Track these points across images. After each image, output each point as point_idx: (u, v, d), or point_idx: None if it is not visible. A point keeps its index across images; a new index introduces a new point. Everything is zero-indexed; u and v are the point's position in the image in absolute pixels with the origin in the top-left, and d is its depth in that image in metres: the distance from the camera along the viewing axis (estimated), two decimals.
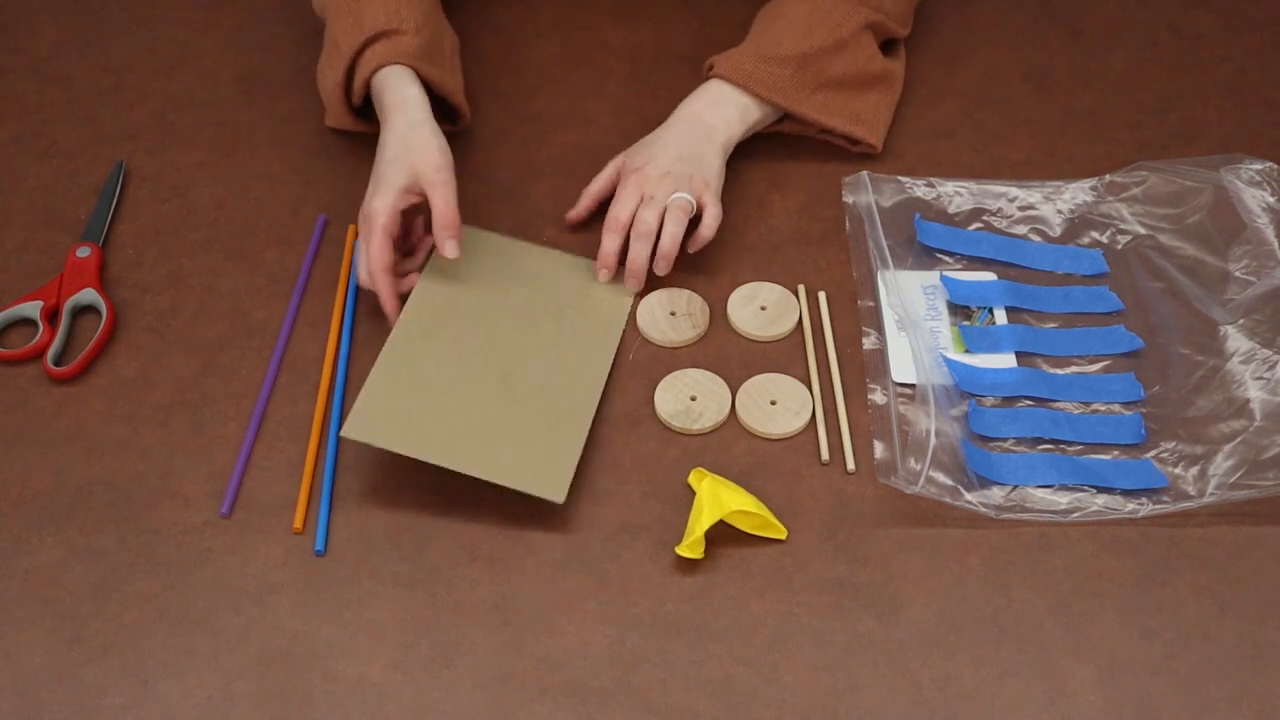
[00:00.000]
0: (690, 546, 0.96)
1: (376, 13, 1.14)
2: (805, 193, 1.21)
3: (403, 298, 1.09)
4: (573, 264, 1.15)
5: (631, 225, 1.12)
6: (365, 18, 1.14)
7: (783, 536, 0.99)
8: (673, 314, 1.12)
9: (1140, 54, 1.34)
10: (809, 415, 1.05)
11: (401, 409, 1.01)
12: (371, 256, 1.06)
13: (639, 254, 1.11)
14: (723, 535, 0.99)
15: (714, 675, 0.93)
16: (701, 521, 0.96)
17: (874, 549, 0.99)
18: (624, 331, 1.11)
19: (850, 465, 1.03)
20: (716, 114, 1.16)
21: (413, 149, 1.08)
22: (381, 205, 1.06)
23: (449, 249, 1.07)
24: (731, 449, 1.04)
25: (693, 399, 1.06)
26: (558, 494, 0.99)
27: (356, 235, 1.17)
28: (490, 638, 0.94)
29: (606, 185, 1.16)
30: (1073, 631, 0.95)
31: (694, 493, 1.00)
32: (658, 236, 1.11)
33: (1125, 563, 0.98)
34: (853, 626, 0.95)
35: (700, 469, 1.02)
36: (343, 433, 0.99)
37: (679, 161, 1.13)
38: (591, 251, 1.14)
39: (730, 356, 1.10)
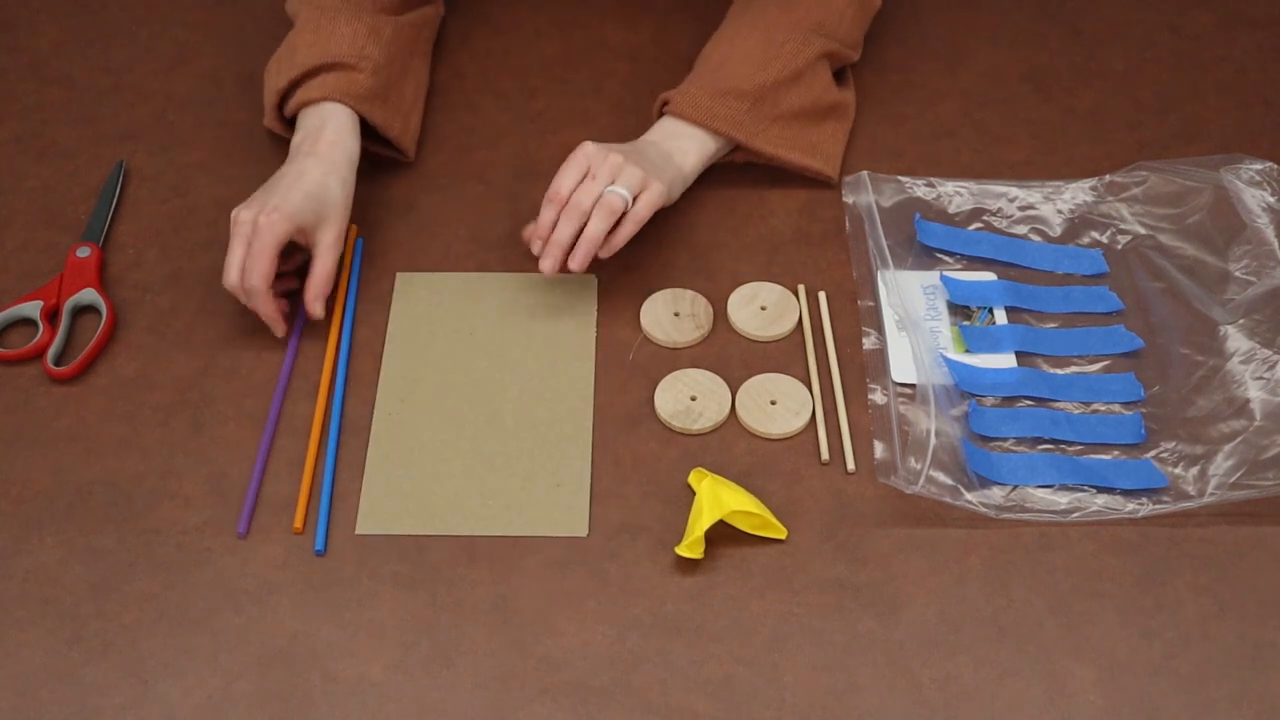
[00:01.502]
0: (690, 546, 0.96)
1: (342, 40, 1.15)
2: (805, 193, 1.21)
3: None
4: (527, 283, 1.14)
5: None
6: (331, 42, 1.15)
7: (783, 536, 0.99)
8: (676, 314, 1.12)
9: (1140, 54, 1.34)
10: (809, 415, 1.05)
11: (405, 488, 1.01)
12: (256, 272, 1.05)
13: (563, 231, 1.07)
14: (723, 535, 0.99)
15: (714, 675, 0.93)
16: (701, 521, 0.96)
17: (874, 549, 0.99)
18: (595, 337, 1.10)
19: (850, 465, 1.03)
20: (673, 145, 1.15)
21: (329, 205, 1.09)
22: (279, 225, 1.05)
23: (318, 309, 1.07)
24: (731, 449, 1.04)
25: (693, 399, 1.06)
26: (579, 528, 0.99)
27: (357, 234, 1.17)
28: (490, 638, 0.94)
29: None
30: (1073, 631, 0.95)
31: (694, 493, 1.00)
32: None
33: (1125, 563, 0.98)
34: (853, 626, 0.95)
35: (700, 469, 1.02)
36: (358, 530, 0.99)
37: (634, 154, 1.10)
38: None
39: (730, 356, 1.10)
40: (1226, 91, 1.31)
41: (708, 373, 1.08)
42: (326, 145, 1.11)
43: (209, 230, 1.18)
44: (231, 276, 1.05)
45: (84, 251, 1.15)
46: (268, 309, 1.06)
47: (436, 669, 0.93)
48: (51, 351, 1.08)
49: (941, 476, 1.00)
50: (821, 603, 0.96)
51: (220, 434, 1.05)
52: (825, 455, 1.03)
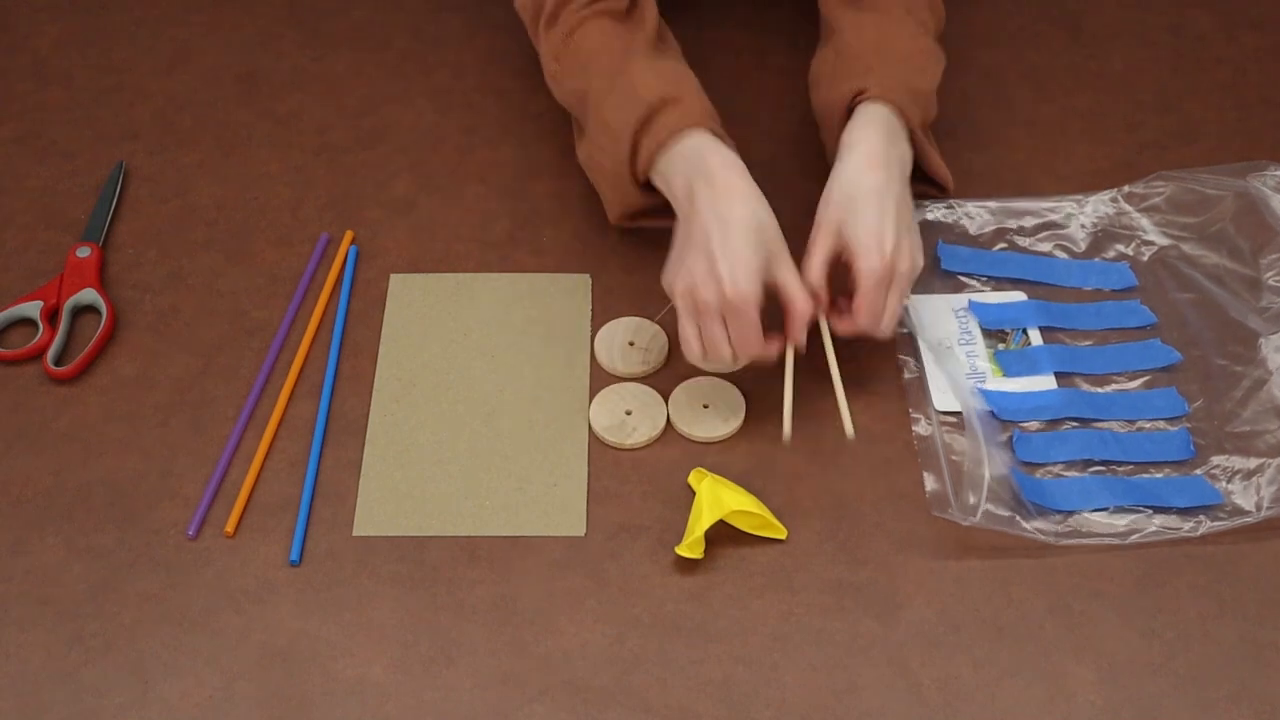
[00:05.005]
0: (690, 546, 0.96)
1: (650, 83, 1.05)
2: (805, 193, 1.21)
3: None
4: (521, 283, 1.14)
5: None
6: (640, 89, 1.05)
7: (783, 536, 0.99)
8: (631, 344, 1.09)
9: (1140, 54, 1.34)
10: (741, 420, 1.05)
11: (402, 489, 1.01)
12: (753, 344, 0.98)
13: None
14: (723, 535, 0.99)
15: (714, 675, 0.92)
16: (701, 521, 0.96)
17: (874, 549, 0.99)
18: (590, 336, 1.10)
19: (849, 432, 1.01)
20: (902, 151, 1.06)
21: (772, 237, 1.00)
22: (750, 290, 0.96)
23: (803, 339, 1.01)
24: (732, 449, 1.04)
25: (628, 413, 1.05)
26: (576, 528, 0.99)
27: (352, 240, 1.17)
28: (490, 638, 0.94)
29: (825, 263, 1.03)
30: (1073, 631, 0.95)
31: (694, 493, 1.00)
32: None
33: (1125, 563, 0.98)
34: (853, 626, 0.95)
35: (700, 469, 1.01)
36: (355, 532, 0.99)
37: (904, 234, 1.02)
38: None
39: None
40: (1226, 91, 1.31)
41: (643, 386, 1.07)
42: (719, 170, 1.01)
43: (209, 230, 1.18)
44: (725, 353, 0.99)
45: (84, 251, 1.15)
46: (769, 355, 1.01)
47: (436, 669, 0.93)
48: (51, 351, 1.08)
49: (997, 508, 0.99)
50: (821, 603, 0.96)
51: (220, 434, 1.05)
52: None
